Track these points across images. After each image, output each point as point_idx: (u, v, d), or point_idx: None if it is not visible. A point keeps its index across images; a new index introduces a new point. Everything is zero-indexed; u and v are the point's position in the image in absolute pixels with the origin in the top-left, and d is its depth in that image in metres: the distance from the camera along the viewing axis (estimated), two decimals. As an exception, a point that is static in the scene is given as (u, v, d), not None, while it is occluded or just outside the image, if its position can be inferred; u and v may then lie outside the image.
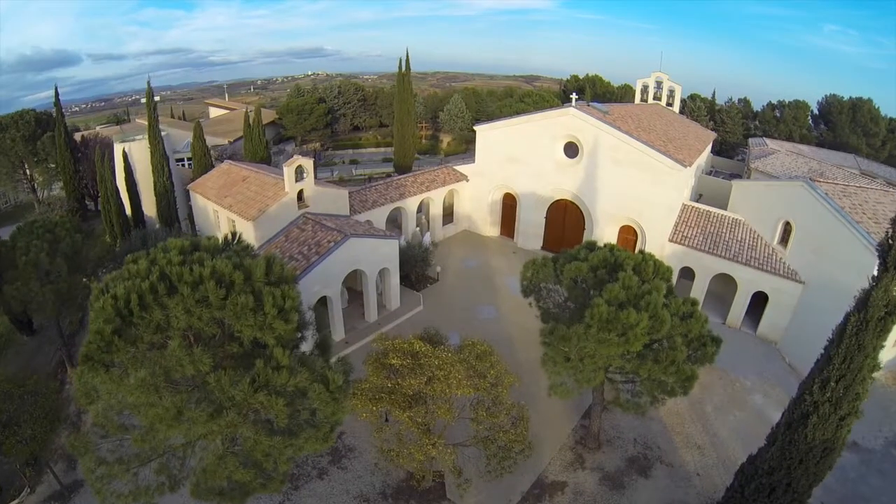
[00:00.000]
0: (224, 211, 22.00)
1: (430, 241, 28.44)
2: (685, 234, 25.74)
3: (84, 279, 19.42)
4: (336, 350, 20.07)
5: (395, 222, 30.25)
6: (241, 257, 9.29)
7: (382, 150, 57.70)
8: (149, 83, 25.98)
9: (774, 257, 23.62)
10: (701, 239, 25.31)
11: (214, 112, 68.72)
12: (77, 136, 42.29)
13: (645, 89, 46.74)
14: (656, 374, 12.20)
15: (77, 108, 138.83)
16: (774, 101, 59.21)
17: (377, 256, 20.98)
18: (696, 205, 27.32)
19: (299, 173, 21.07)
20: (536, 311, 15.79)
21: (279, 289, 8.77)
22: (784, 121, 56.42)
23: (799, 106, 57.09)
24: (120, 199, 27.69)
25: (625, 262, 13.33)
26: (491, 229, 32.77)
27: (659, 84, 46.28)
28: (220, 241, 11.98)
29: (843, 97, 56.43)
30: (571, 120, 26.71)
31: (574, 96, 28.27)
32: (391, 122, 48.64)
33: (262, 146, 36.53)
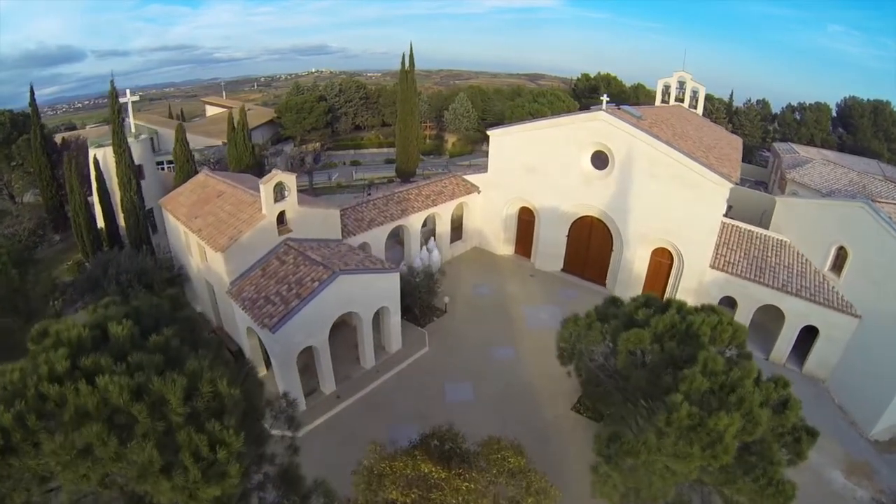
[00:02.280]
0: (193, 235, 18.57)
1: (440, 261, 24.86)
2: (728, 258, 22.50)
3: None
4: (326, 407, 16.85)
5: (396, 237, 26.91)
6: (155, 368, 5.93)
7: (385, 150, 54.91)
8: (112, 83, 22.38)
9: (826, 286, 20.62)
10: (746, 265, 22.13)
11: (211, 111, 65.52)
12: (58, 138, 39.39)
13: (666, 90, 43.25)
14: (747, 493, 8.94)
15: (80, 105, 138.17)
16: (794, 103, 56.44)
17: (373, 294, 17.50)
18: (737, 223, 23.96)
19: (279, 192, 17.43)
20: (575, 378, 12.49)
21: (206, 431, 5.50)
22: (805, 124, 53.64)
23: (820, 108, 54.10)
24: (90, 211, 24.55)
25: (700, 330, 10.02)
26: (505, 247, 29.24)
27: (681, 84, 42.84)
28: (161, 307, 8.76)
29: (863, 100, 53.80)
30: (603, 125, 23.07)
31: (605, 98, 24.63)
32: (394, 121, 45.42)
33: (248, 152, 32.96)
